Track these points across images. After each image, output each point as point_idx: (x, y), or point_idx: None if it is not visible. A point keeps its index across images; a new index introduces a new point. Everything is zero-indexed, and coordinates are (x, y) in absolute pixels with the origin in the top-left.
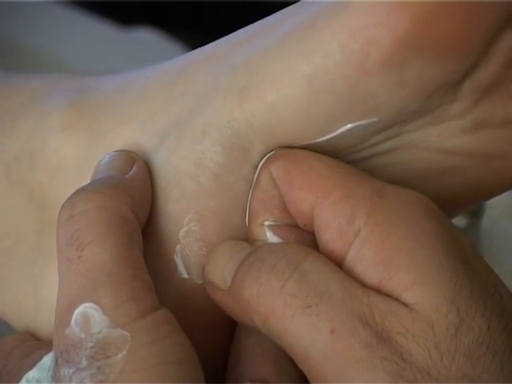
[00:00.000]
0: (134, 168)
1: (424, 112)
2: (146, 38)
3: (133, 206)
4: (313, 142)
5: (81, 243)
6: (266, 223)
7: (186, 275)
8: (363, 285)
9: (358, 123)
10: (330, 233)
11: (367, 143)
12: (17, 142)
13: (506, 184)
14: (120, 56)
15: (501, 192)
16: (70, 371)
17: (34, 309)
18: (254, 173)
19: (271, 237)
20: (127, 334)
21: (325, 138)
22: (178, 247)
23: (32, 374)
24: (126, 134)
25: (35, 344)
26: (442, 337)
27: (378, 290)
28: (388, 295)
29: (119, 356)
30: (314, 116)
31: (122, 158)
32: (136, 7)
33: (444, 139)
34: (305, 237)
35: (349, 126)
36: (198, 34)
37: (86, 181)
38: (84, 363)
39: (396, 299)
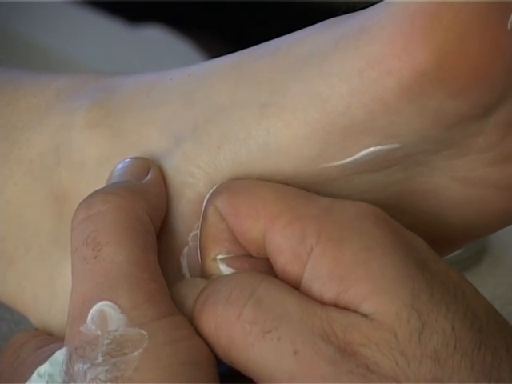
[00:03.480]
0: (150, 174)
1: (448, 143)
2: (155, 35)
3: (148, 210)
4: (334, 164)
5: (98, 243)
6: (219, 257)
7: (188, 277)
8: (321, 302)
9: (378, 148)
10: (284, 257)
11: (391, 169)
12: (42, 140)
13: None
14: (129, 53)
15: None
16: (85, 367)
17: (49, 299)
18: None
19: (225, 269)
20: (145, 333)
21: (345, 160)
22: (185, 249)
23: (44, 368)
24: (147, 135)
25: (48, 338)
26: (406, 342)
27: (336, 305)
28: (346, 308)
29: (135, 354)
30: (330, 137)
31: (138, 165)
32: (144, 5)
33: (469, 170)
34: (259, 264)
35: (370, 149)
36: (207, 32)
37: (106, 178)
38: (100, 359)
39: (355, 311)
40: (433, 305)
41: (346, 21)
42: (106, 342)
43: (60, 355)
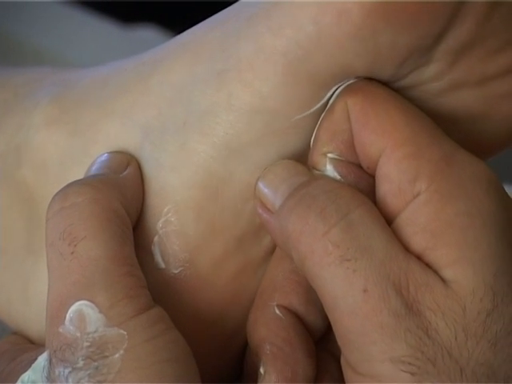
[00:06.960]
0: (128, 169)
1: (400, 76)
2: (148, 36)
3: (124, 202)
4: (305, 113)
5: (74, 238)
6: (330, 155)
7: (162, 265)
8: (407, 248)
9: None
10: (390, 187)
11: None
12: (2, 140)
13: (495, 146)
14: (122, 54)
15: (491, 154)
16: (66, 371)
17: (22, 306)
18: (233, 159)
19: (331, 170)
20: (124, 332)
21: (315, 107)
22: (156, 238)
23: (27, 375)
24: (107, 128)
25: (21, 348)
26: (472, 320)
27: (420, 258)
28: (428, 265)
29: (117, 355)
30: (296, 87)
31: (117, 159)
32: (137, 5)
33: (422, 102)
34: (363, 179)
35: (333, 89)
36: None
37: (70, 176)
38: (81, 363)
39: (435, 272)
40: (510, 290)
41: None
42: (86, 344)
43: (42, 360)
